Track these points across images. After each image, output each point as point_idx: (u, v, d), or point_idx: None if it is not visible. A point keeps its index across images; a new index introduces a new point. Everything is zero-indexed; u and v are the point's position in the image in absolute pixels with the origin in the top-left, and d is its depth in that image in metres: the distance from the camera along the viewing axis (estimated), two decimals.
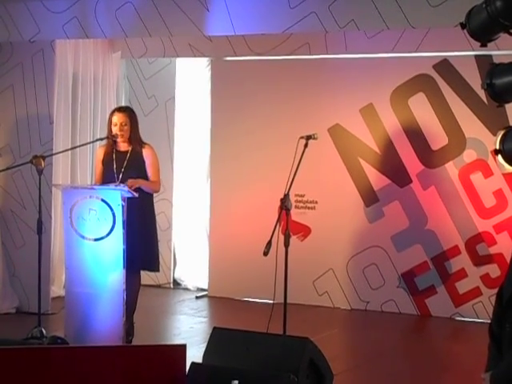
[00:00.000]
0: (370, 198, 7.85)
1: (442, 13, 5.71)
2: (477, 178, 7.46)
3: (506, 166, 4.43)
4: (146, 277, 7.53)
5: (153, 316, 7.44)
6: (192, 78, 8.96)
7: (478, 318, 7.38)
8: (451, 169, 7.55)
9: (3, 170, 7.14)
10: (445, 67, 7.52)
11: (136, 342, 6.12)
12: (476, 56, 7.26)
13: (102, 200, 5.83)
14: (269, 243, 5.26)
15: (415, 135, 7.65)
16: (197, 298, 8.48)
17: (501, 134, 4.41)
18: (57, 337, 5.91)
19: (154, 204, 6.37)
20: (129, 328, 6.09)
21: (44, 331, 6.18)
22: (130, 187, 5.89)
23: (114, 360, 4.23)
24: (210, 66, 8.65)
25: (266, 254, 5.21)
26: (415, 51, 7.40)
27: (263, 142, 8.17)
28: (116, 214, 5.78)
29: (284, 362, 4.36)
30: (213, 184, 8.56)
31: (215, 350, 4.64)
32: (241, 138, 8.30)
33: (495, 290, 3.02)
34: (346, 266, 7.92)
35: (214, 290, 8.47)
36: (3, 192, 7.60)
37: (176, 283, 8.99)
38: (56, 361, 4.14)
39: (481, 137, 7.39)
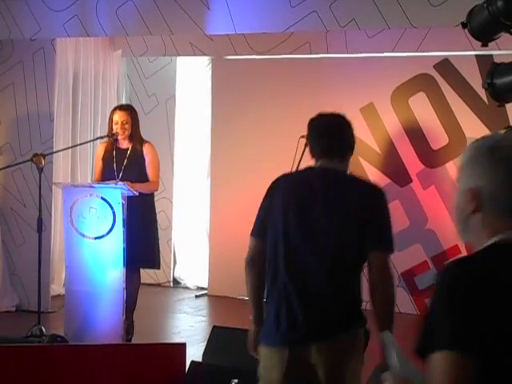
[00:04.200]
0: None
1: (443, 12, 5.71)
2: None
3: None
4: (146, 275, 7.53)
5: (152, 315, 7.44)
6: (192, 77, 8.96)
7: None
8: (451, 168, 7.55)
9: (3, 168, 7.14)
10: (445, 67, 7.51)
11: (136, 340, 6.11)
12: (477, 56, 7.25)
13: (102, 198, 5.83)
14: None
15: (416, 135, 7.65)
16: (196, 296, 8.48)
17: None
18: (56, 335, 5.91)
19: (155, 202, 6.38)
20: (128, 326, 6.09)
21: (44, 329, 6.17)
22: None
23: (114, 358, 4.23)
24: (210, 65, 8.65)
25: None
26: (416, 51, 7.39)
27: (264, 141, 8.16)
28: (116, 213, 5.78)
29: None
30: (213, 183, 8.56)
31: (215, 348, 4.64)
32: (241, 137, 8.30)
33: None
34: None
35: (214, 288, 8.47)
36: (3, 190, 7.60)
37: (176, 282, 8.99)
38: (56, 359, 4.14)
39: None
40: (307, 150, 5.67)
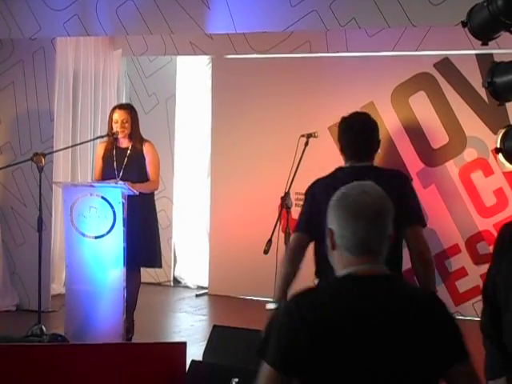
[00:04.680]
0: None
1: (443, 11, 5.71)
2: (477, 176, 7.46)
3: (507, 164, 4.43)
4: (146, 274, 7.53)
5: (153, 314, 7.44)
6: (193, 76, 8.96)
7: (478, 317, 7.32)
8: (452, 167, 7.55)
9: (4, 168, 7.14)
10: (446, 66, 7.51)
11: (136, 339, 6.11)
12: (477, 55, 7.25)
13: (103, 198, 5.83)
14: (269, 241, 5.26)
15: (416, 134, 7.64)
16: (197, 295, 8.47)
17: (501, 132, 4.41)
18: (57, 334, 5.91)
19: (155, 201, 6.38)
20: (129, 326, 6.09)
21: (44, 329, 6.17)
22: None
23: (114, 358, 4.23)
24: (210, 64, 8.65)
25: (266, 252, 5.21)
26: (416, 50, 7.39)
27: (264, 140, 8.16)
28: (116, 212, 5.78)
29: None
30: (213, 182, 8.56)
31: (215, 347, 4.64)
32: (241, 136, 8.30)
33: None
34: None
35: (214, 287, 8.47)
36: (3, 189, 7.60)
37: (176, 281, 8.99)
38: (56, 358, 4.14)
39: (481, 135, 7.38)
40: (307, 149, 5.71)
